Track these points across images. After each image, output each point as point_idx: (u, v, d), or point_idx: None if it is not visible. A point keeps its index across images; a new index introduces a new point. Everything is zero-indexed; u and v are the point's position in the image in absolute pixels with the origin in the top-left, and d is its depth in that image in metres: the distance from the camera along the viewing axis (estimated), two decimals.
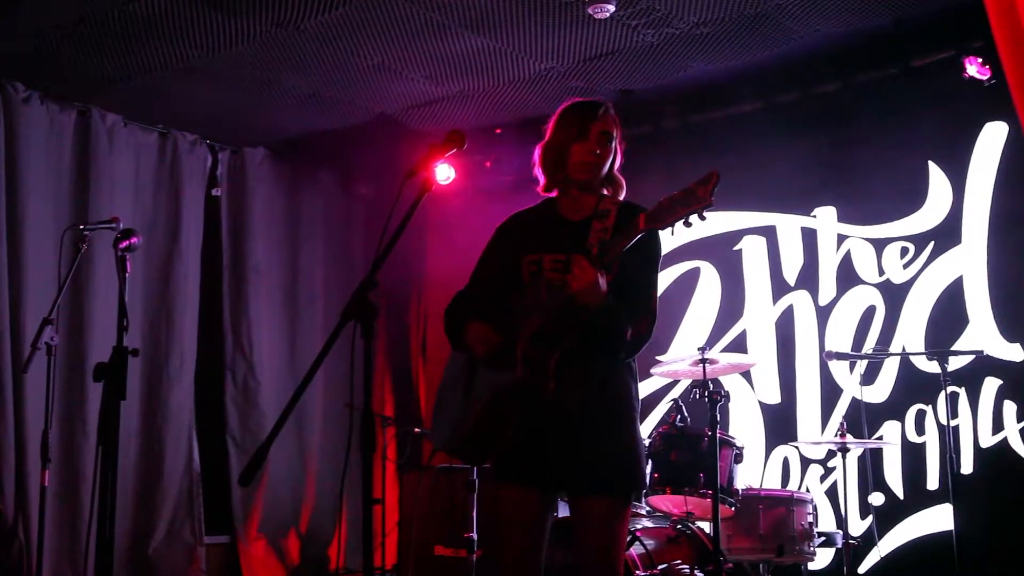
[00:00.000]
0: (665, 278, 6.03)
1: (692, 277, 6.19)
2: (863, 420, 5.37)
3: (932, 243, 5.41)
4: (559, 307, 2.73)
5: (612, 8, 4.70)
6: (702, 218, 2.58)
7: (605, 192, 3.00)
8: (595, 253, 2.72)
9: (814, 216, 5.82)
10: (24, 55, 5.36)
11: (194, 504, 6.39)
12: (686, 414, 4.79)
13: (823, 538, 4.93)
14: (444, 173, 6.62)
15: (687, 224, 2.60)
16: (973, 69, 4.92)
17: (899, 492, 5.36)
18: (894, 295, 5.50)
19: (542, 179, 3.04)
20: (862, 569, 5.31)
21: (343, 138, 6.71)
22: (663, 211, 2.61)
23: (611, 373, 2.88)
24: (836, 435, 4.87)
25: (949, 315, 5.30)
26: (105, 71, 5.58)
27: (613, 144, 2.97)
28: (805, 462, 5.70)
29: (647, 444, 4.56)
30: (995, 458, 5.07)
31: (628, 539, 4.51)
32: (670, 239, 5.93)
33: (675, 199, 2.60)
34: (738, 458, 4.74)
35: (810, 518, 4.80)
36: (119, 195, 6.11)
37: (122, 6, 4.78)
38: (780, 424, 5.79)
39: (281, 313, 6.98)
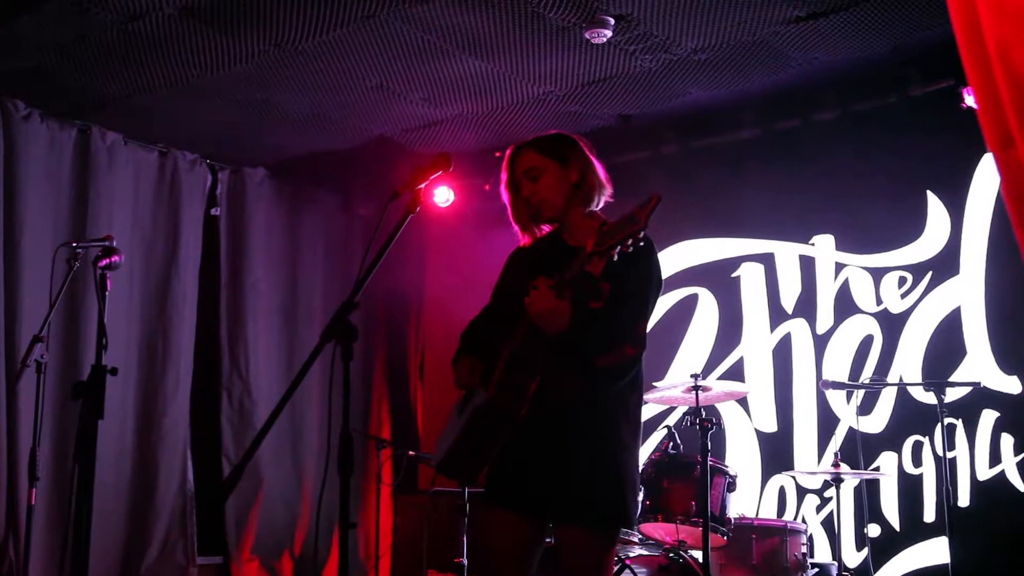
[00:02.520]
0: (663, 304, 6.01)
1: (690, 303, 6.16)
2: (859, 450, 5.32)
3: (930, 273, 5.38)
4: (527, 333, 2.73)
5: (609, 34, 4.69)
6: (639, 242, 2.51)
7: (596, 209, 2.96)
8: (554, 280, 2.67)
9: (812, 244, 5.80)
10: (25, 73, 5.39)
11: (187, 524, 6.35)
12: (679, 441, 4.76)
13: (817, 569, 4.87)
14: (443, 196, 6.62)
15: (626, 248, 2.50)
16: (971, 99, 4.90)
17: (895, 524, 5.30)
18: (892, 325, 5.46)
19: (517, 233, 3.05)
20: None
21: (343, 159, 6.72)
22: (605, 235, 2.53)
23: (597, 401, 2.80)
24: (831, 466, 4.82)
25: (947, 346, 5.27)
26: (105, 90, 5.60)
27: (545, 170, 2.94)
28: (801, 492, 5.64)
29: (640, 471, 4.52)
30: (992, 491, 5.02)
31: (618, 567, 4.46)
32: (668, 264, 6.02)
33: (619, 222, 2.53)
34: (731, 487, 4.69)
35: (804, 548, 4.75)
36: (118, 213, 6.12)
37: (122, 25, 4.80)
38: (776, 453, 5.74)
39: (279, 333, 6.96)
